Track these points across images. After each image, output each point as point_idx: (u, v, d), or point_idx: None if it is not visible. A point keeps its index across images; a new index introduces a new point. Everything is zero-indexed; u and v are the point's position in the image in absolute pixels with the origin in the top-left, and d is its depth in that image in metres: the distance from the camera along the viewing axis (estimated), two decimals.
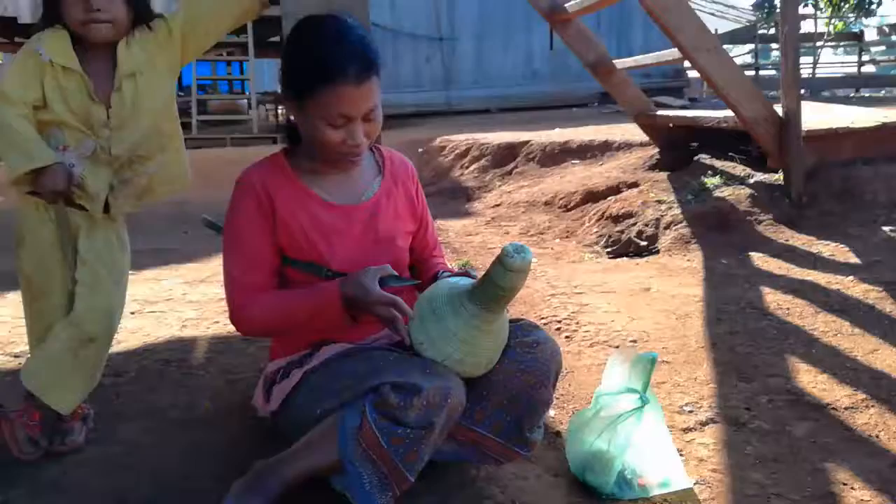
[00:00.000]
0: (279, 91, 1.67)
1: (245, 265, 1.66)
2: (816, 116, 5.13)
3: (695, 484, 1.92)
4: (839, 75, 17.43)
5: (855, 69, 17.36)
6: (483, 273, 1.48)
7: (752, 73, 14.48)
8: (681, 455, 2.04)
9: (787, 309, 2.99)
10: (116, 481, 1.72)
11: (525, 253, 1.41)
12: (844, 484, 1.90)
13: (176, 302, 3.26)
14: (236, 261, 1.67)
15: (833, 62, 22.07)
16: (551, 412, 2.33)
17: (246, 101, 12.11)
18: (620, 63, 5.44)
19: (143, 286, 3.50)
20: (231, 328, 2.77)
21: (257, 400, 1.82)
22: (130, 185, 1.92)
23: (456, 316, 1.49)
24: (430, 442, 1.45)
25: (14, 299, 3.40)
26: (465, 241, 4.83)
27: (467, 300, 1.49)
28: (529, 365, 1.61)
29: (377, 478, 1.45)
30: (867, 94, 12.95)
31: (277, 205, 1.66)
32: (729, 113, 4.64)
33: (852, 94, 13.23)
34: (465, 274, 1.67)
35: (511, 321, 1.69)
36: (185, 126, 11.27)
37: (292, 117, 1.66)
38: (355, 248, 1.70)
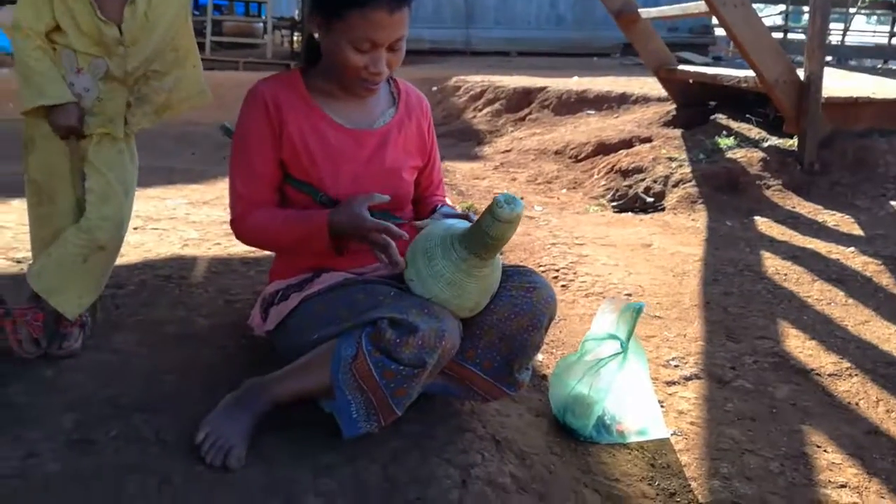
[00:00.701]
0: (296, 16, 1.65)
1: (247, 177, 1.69)
2: (838, 84, 5.05)
3: (672, 434, 1.97)
4: (869, 45, 17.02)
5: (886, 40, 16.94)
6: (476, 219, 1.49)
7: (781, 35, 14.11)
8: (662, 406, 2.09)
9: (785, 274, 3.00)
10: (110, 386, 1.76)
11: (515, 205, 1.42)
12: (818, 446, 1.94)
13: (179, 221, 3.28)
14: (240, 172, 1.70)
15: (865, 30, 21.53)
16: (540, 357, 2.38)
17: (262, 24, 11.91)
18: (645, 13, 5.33)
19: (147, 203, 3.52)
20: (232, 250, 2.84)
21: (254, 319, 1.85)
22: (148, 101, 1.93)
23: (446, 258, 1.51)
24: (421, 380, 1.48)
25: (18, 206, 3.43)
26: (472, 185, 4.82)
27: (458, 244, 1.50)
28: (524, 308, 1.62)
29: (365, 407, 1.49)
30: (895, 67, 12.67)
31: (286, 120, 1.66)
32: (750, 73, 4.57)
33: (880, 66, 12.94)
34: (465, 217, 1.67)
35: (510, 266, 1.71)
36: (199, 47, 11.21)
37: (316, 35, 1.64)
38: (359, 175, 1.70)
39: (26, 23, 1.70)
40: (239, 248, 2.84)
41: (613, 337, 1.85)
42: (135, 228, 3.08)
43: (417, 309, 1.46)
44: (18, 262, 2.62)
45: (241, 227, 1.72)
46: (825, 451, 1.93)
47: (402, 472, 1.50)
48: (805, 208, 3.88)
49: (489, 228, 1.44)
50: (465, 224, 1.58)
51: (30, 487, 1.39)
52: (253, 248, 2.78)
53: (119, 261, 2.45)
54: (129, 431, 1.58)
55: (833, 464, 1.88)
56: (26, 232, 2.96)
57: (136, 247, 2.85)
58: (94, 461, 1.48)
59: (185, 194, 3.85)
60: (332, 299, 1.61)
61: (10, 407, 1.66)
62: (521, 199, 1.46)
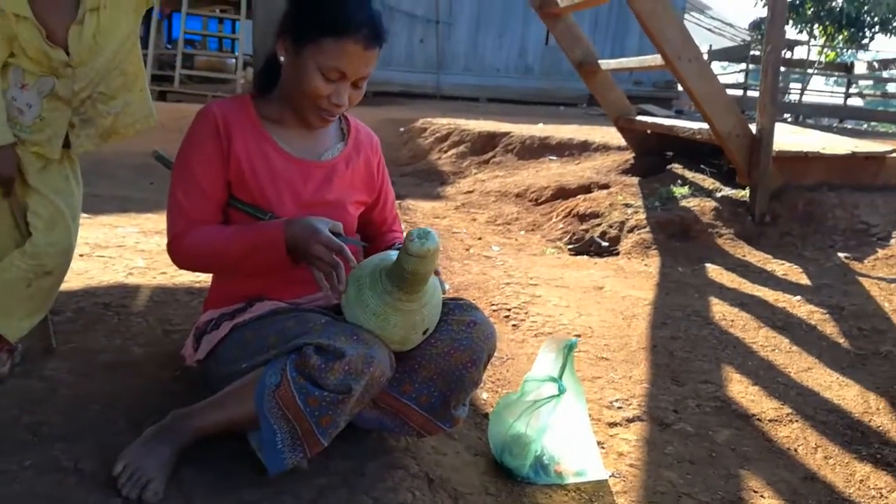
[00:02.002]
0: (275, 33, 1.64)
1: (191, 194, 1.62)
2: (790, 139, 5.20)
3: (610, 476, 1.95)
4: (827, 104, 17.63)
5: (842, 100, 17.57)
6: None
7: (741, 92, 14.57)
8: (602, 448, 2.07)
9: (732, 321, 3.04)
10: (33, 414, 1.70)
11: (427, 239, 1.40)
12: (755, 491, 1.94)
13: (126, 249, 3.23)
14: (183, 188, 1.63)
15: (823, 90, 22.33)
16: (484, 395, 2.36)
17: (234, 60, 11.94)
18: (605, 64, 5.46)
19: (97, 230, 3.46)
20: (178, 279, 2.79)
21: (186, 349, 1.81)
22: (93, 124, 1.90)
23: (372, 288, 1.50)
24: (347, 408, 1.44)
25: None
26: (431, 223, 4.83)
27: (385, 276, 1.50)
28: (464, 343, 1.60)
29: (290, 437, 1.44)
30: (850, 126, 13.13)
31: (234, 142, 1.63)
32: (705, 125, 4.68)
33: (836, 125, 13.40)
34: None
35: (451, 299, 1.70)
36: (168, 79, 11.20)
37: (282, 58, 1.61)
38: (303, 205, 1.68)
39: None
40: (185, 278, 2.79)
41: (553, 379, 1.83)
42: (80, 255, 3.02)
43: (346, 335, 1.43)
44: None
45: (180, 244, 1.62)
46: (762, 496, 1.92)
47: None
48: (755, 257, 3.95)
49: (404, 262, 1.43)
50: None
51: None
52: (199, 277, 2.76)
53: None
54: (47, 461, 1.52)
55: None
56: None
57: (80, 273, 2.78)
58: (3, 491, 1.41)
59: (138, 223, 3.79)
60: (261, 327, 1.57)
61: None
62: (437, 233, 1.44)
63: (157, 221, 3.79)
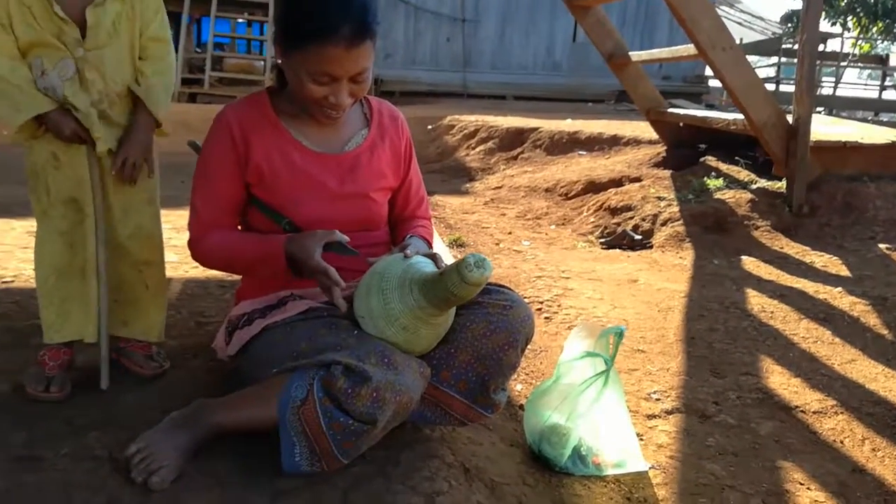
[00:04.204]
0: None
1: (208, 200, 1.66)
2: (827, 129, 5.08)
3: (650, 468, 1.90)
4: (861, 97, 17.29)
5: (876, 93, 17.21)
6: (442, 271, 1.44)
7: (773, 86, 14.35)
8: (641, 440, 2.02)
9: (771, 312, 2.96)
10: (67, 405, 1.70)
11: (484, 269, 1.37)
12: (801, 484, 1.88)
13: None
14: (201, 194, 1.67)
15: (857, 83, 21.90)
16: (518, 386, 2.32)
17: (262, 63, 12.04)
18: (636, 55, 5.38)
19: None
20: (210, 273, 2.78)
21: (218, 342, 1.80)
22: (111, 125, 1.77)
23: (402, 302, 1.46)
24: (371, 437, 1.42)
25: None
26: (461, 219, 4.80)
27: (417, 290, 1.45)
28: (500, 325, 1.57)
29: (309, 452, 1.42)
30: (886, 119, 12.85)
31: (252, 145, 1.63)
32: (739, 116, 4.59)
33: (870, 118, 13.12)
34: (431, 257, 1.59)
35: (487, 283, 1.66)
36: (198, 82, 11.32)
37: (279, 62, 1.61)
38: (326, 200, 1.66)
39: None
40: (218, 272, 2.79)
41: (591, 354, 1.79)
42: None
43: (377, 357, 1.39)
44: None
45: (196, 247, 1.69)
46: (808, 488, 1.86)
47: (363, 499, 1.43)
48: (793, 249, 3.85)
49: (454, 287, 1.39)
50: (425, 266, 1.52)
51: None
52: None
53: None
54: (81, 450, 1.51)
55: (816, 501, 1.81)
56: (5, 251, 2.97)
57: None
58: (39, 478, 1.41)
59: (170, 220, 3.78)
60: (293, 330, 1.55)
61: None
62: (491, 260, 1.41)
63: (188, 218, 3.81)
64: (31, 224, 1.83)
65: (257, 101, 1.69)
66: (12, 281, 2.56)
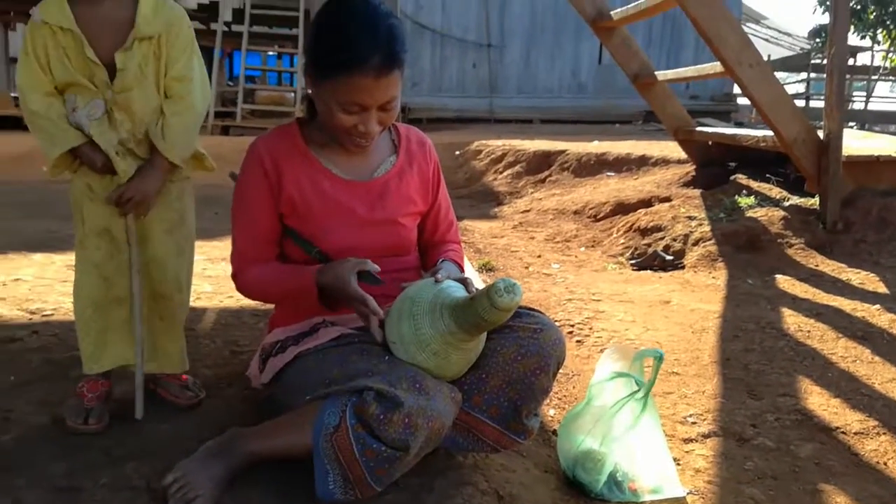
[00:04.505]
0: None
1: (245, 232, 1.71)
2: (859, 143, 5.01)
3: (688, 493, 1.87)
4: (893, 111, 17.00)
5: None
6: (472, 296, 1.44)
7: (803, 102, 14.20)
8: (677, 464, 1.99)
9: (808, 332, 2.91)
10: (104, 436, 1.73)
11: (514, 294, 1.38)
12: None
13: (195, 276, 3.28)
14: (239, 227, 1.72)
15: (889, 97, 21.56)
16: (551, 411, 2.30)
17: (293, 94, 12.24)
18: (662, 75, 5.38)
19: None
20: (244, 302, 2.82)
21: (252, 370, 1.83)
22: (136, 159, 1.81)
23: (433, 327, 1.47)
24: (404, 464, 1.42)
25: (39, 261, 3.48)
26: (490, 243, 4.80)
27: (448, 315, 1.46)
28: (531, 349, 1.57)
29: (342, 479, 1.43)
30: None
31: (283, 175, 1.66)
32: (769, 133, 4.55)
33: None
34: (462, 282, 1.60)
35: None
36: (231, 115, 11.53)
37: (309, 91, 1.65)
38: (356, 227, 1.69)
39: (30, 82, 1.69)
40: (251, 301, 2.82)
41: (621, 375, 1.77)
42: None
43: (409, 383, 1.40)
44: (32, 313, 2.63)
45: (238, 281, 1.75)
46: None
47: None
48: (828, 266, 3.79)
49: (484, 312, 1.40)
50: (456, 290, 1.53)
51: None
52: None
53: None
54: (120, 480, 1.54)
55: None
56: (45, 285, 3.03)
57: None
58: None
59: (204, 251, 3.87)
60: (325, 358, 1.57)
61: (0, 453, 1.63)
62: (520, 284, 1.42)
63: (223, 249, 3.87)
64: (70, 258, 1.87)
65: (287, 132, 1.72)
66: (52, 314, 2.62)
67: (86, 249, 1.81)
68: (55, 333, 2.40)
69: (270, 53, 14.57)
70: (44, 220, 4.72)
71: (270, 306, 2.56)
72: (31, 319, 2.55)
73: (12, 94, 11.36)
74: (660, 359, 1.78)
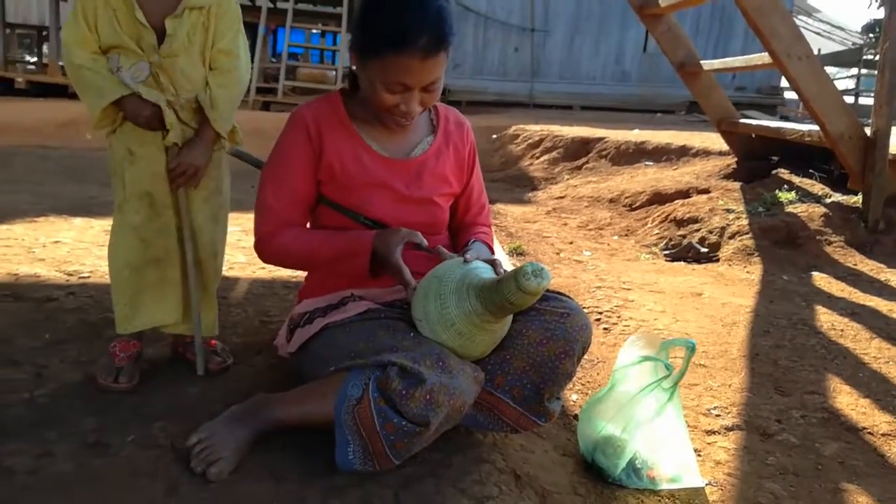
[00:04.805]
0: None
1: (283, 196, 1.69)
2: None
3: (707, 484, 1.86)
4: None
5: None
6: (500, 278, 1.44)
7: (852, 98, 13.82)
8: (698, 455, 1.98)
9: (841, 330, 2.86)
10: (135, 394, 1.78)
11: (542, 278, 1.37)
12: None
13: (229, 246, 3.31)
14: (275, 190, 1.69)
15: None
16: (573, 396, 2.30)
17: (334, 72, 12.29)
18: (708, 64, 5.28)
19: None
20: (277, 273, 2.86)
21: (279, 339, 1.86)
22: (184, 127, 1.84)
23: (459, 307, 1.47)
24: (423, 439, 1.43)
25: (79, 224, 3.57)
26: (522, 227, 4.79)
27: (475, 296, 1.46)
28: (557, 333, 1.57)
29: (362, 451, 1.45)
30: None
31: (326, 144, 1.67)
32: (814, 127, 4.45)
33: None
34: (492, 263, 1.60)
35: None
36: (273, 91, 11.63)
37: (353, 68, 1.65)
38: (394, 203, 1.70)
39: (76, 38, 1.71)
40: (283, 273, 2.87)
41: (648, 359, 1.76)
42: None
43: (432, 360, 1.41)
44: (69, 275, 2.70)
45: (269, 244, 1.70)
46: None
47: (413, 499, 1.44)
48: (867, 266, 3.71)
49: (511, 295, 1.40)
50: (484, 271, 1.53)
51: (38, 485, 1.40)
52: (296, 273, 2.83)
53: None
54: (146, 438, 1.58)
55: None
56: (83, 248, 3.10)
57: None
58: (106, 463, 1.48)
59: (240, 222, 3.92)
60: (352, 331, 1.58)
61: (33, 407, 1.69)
62: (549, 269, 1.41)
63: None
64: (108, 223, 1.91)
65: (331, 102, 1.73)
66: (89, 276, 2.69)
67: (125, 213, 1.84)
68: (91, 295, 2.46)
69: (314, 31, 14.61)
70: (86, 185, 4.83)
71: (301, 278, 2.61)
72: (68, 281, 2.62)
73: (59, 63, 11.59)
74: (692, 349, 1.76)
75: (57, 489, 1.39)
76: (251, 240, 1.77)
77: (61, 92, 12.08)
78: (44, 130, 7.89)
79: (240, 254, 3.23)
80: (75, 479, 1.42)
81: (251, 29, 12.82)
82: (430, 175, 1.75)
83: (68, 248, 3.07)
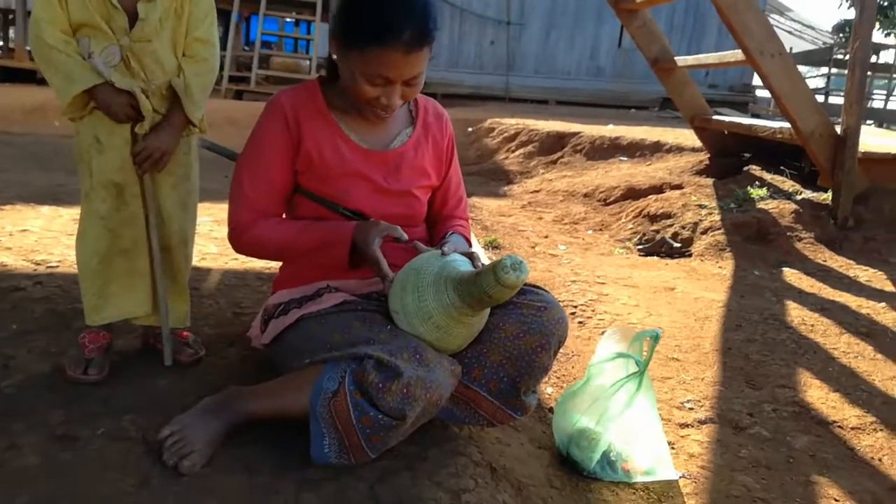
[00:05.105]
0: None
1: (259, 184, 1.65)
2: (876, 140, 4.95)
3: (680, 477, 1.87)
4: None
5: None
6: (478, 271, 1.43)
7: (823, 97, 14.04)
8: (672, 448, 2.00)
9: (811, 325, 2.90)
10: (104, 386, 1.74)
11: (521, 272, 1.36)
12: (836, 500, 1.83)
13: (200, 236, 3.29)
14: (251, 178, 1.65)
15: None
16: (549, 389, 2.31)
17: (308, 62, 12.18)
18: (682, 60, 5.31)
19: None
20: (249, 265, 2.82)
21: (253, 330, 1.83)
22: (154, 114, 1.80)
23: (436, 300, 1.46)
24: (399, 433, 1.43)
25: (46, 213, 3.49)
26: (497, 221, 4.79)
27: (452, 290, 1.45)
28: (534, 327, 1.57)
29: (338, 444, 1.43)
30: None
31: (304, 133, 1.64)
32: (786, 124, 4.51)
33: None
34: (469, 256, 1.60)
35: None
36: (245, 80, 11.49)
37: (334, 57, 1.62)
38: (372, 194, 1.68)
39: (47, 16, 1.65)
40: (256, 264, 2.83)
41: (622, 356, 1.77)
42: None
43: (409, 353, 1.40)
44: (37, 264, 2.64)
45: (245, 234, 1.66)
46: None
47: (389, 493, 1.43)
48: (836, 262, 3.77)
49: (489, 288, 1.39)
50: (462, 264, 1.52)
51: (3, 478, 1.36)
52: (269, 264, 2.79)
53: None
54: (116, 431, 1.55)
55: None
56: (51, 237, 3.03)
57: None
58: (74, 456, 1.44)
59: (212, 213, 3.88)
60: (327, 322, 1.56)
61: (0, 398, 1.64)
62: (526, 262, 1.40)
63: None
64: (77, 211, 1.87)
65: (309, 91, 1.69)
66: (57, 266, 2.63)
67: (92, 202, 1.80)
68: (59, 285, 2.41)
69: (288, 20, 14.45)
70: (53, 173, 4.73)
71: (275, 269, 2.57)
72: (35, 270, 2.56)
73: (26, 48, 11.34)
74: (656, 338, 1.78)
75: (23, 483, 1.35)
76: (224, 230, 1.73)
77: (29, 77, 11.82)
78: (10, 116, 7.71)
79: (212, 244, 3.19)
80: (42, 473, 1.38)
81: (224, 16, 12.65)
82: (409, 167, 1.73)
83: (36, 237, 3.01)
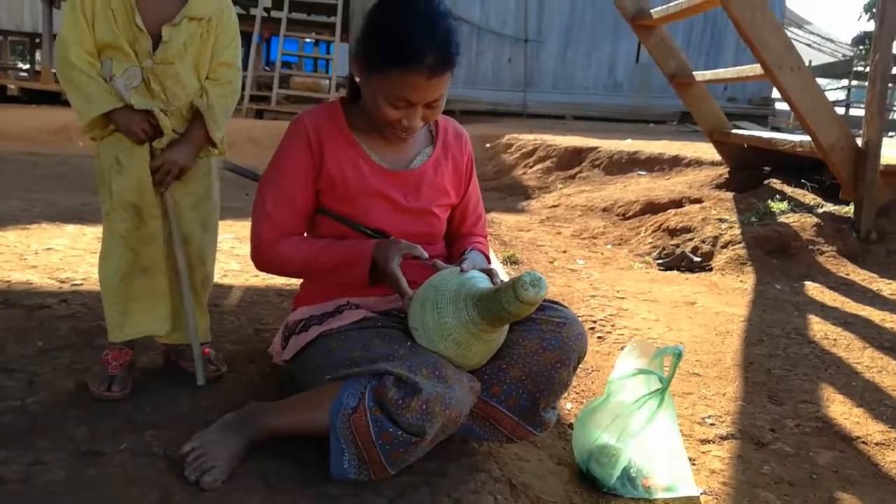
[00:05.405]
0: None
1: (282, 204, 1.68)
2: None
3: (701, 493, 1.86)
4: None
5: None
6: (497, 288, 1.44)
7: (843, 110, 13.92)
8: (693, 464, 1.98)
9: (834, 340, 2.87)
10: (127, 402, 1.77)
11: (540, 288, 1.37)
12: None
13: (222, 253, 3.33)
14: (273, 197, 1.68)
15: None
16: (568, 405, 2.30)
17: (328, 81, 12.30)
18: (700, 75, 5.31)
19: None
20: (270, 282, 2.85)
21: (274, 347, 1.84)
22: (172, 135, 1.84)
23: (456, 317, 1.47)
24: (419, 449, 1.43)
25: (71, 231, 3.55)
26: (515, 236, 4.79)
27: (472, 306, 1.46)
28: (553, 343, 1.57)
29: (357, 460, 1.44)
30: None
31: (326, 154, 1.67)
32: (806, 138, 4.48)
33: None
34: (488, 272, 1.61)
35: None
36: (266, 99, 11.63)
37: (357, 80, 1.64)
38: (392, 213, 1.70)
39: (74, 36, 1.70)
40: (276, 280, 2.86)
41: (643, 372, 1.76)
42: None
43: (428, 370, 1.41)
44: (62, 282, 2.68)
45: (268, 252, 1.69)
46: None
47: None
48: (859, 276, 3.73)
49: (509, 305, 1.40)
50: (481, 281, 1.53)
51: (29, 493, 1.38)
52: (290, 281, 2.82)
53: None
54: (139, 446, 1.57)
55: None
56: (75, 255, 3.08)
57: None
58: (98, 472, 1.46)
59: (234, 230, 3.92)
60: (347, 338, 1.58)
61: (25, 415, 1.67)
62: (546, 278, 1.41)
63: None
64: (101, 230, 1.90)
65: (332, 112, 1.72)
66: (81, 284, 2.68)
67: (112, 221, 1.83)
68: (83, 303, 2.44)
69: (307, 40, 14.64)
70: (78, 192, 4.81)
71: (295, 286, 2.60)
72: (60, 288, 2.61)
73: (52, 71, 11.57)
74: (678, 355, 1.77)
75: (49, 498, 1.37)
76: (245, 247, 1.76)
77: (54, 99, 12.05)
78: (36, 137, 7.87)
79: (233, 261, 3.23)
80: (67, 488, 1.40)
81: (245, 37, 12.84)
82: (429, 187, 1.75)
83: (61, 256, 3.06)
